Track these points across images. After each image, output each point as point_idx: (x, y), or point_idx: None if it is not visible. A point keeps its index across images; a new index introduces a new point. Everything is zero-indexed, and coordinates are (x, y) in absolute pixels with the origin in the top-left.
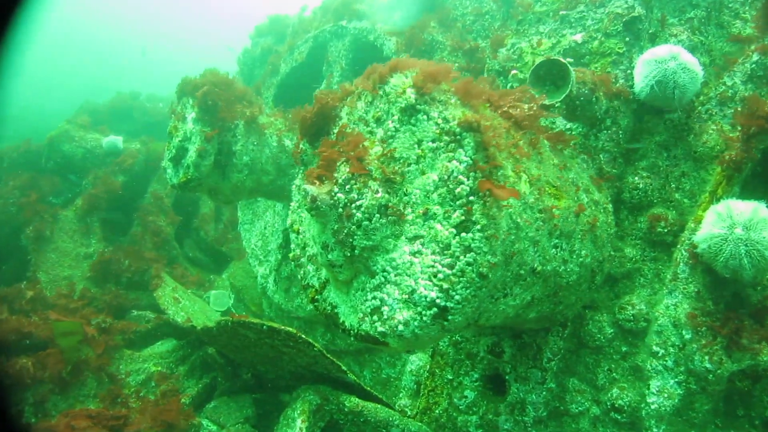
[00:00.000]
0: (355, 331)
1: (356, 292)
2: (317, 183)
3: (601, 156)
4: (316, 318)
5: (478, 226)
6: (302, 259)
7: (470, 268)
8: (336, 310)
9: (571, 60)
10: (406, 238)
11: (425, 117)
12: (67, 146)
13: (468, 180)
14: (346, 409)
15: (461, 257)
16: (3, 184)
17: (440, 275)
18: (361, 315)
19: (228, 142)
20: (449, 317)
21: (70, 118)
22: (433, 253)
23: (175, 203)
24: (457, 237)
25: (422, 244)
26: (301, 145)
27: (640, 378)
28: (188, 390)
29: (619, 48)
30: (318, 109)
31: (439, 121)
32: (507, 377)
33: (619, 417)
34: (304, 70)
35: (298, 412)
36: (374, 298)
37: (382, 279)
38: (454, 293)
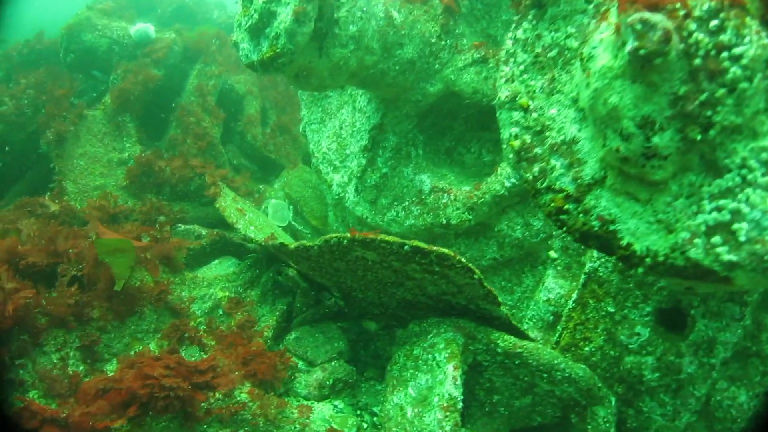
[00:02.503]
0: (661, 258)
1: (673, 199)
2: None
3: None
4: (412, 234)
5: None
6: (537, 150)
7: None
8: (614, 227)
9: None
10: None
11: None
12: (89, 36)
13: None
14: (499, 350)
15: None
16: (14, 84)
17: None
18: (687, 236)
19: (330, 5)
20: None
21: (91, 4)
22: None
23: (217, 103)
24: None
25: None
26: None
27: None
28: (263, 319)
29: None
30: None
31: None
32: (693, 312)
33: None
34: None
35: (446, 354)
36: (718, 209)
37: (738, 180)
38: None
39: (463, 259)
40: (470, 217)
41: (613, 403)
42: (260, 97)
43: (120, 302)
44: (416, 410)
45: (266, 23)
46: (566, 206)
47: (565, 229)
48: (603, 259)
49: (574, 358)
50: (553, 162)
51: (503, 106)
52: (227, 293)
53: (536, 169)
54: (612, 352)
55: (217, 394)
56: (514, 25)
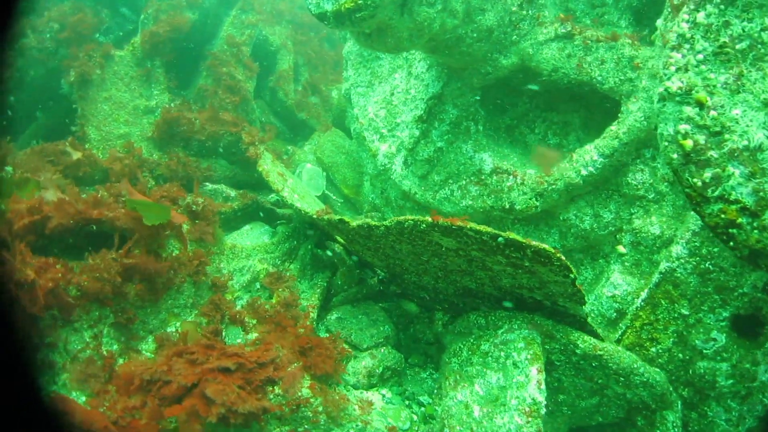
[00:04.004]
0: None
1: None
2: None
3: None
4: (465, 212)
5: None
6: (711, 153)
7: None
8: None
9: None
10: None
11: None
12: None
13: None
14: (577, 351)
15: None
16: (37, 16)
17: None
18: None
19: None
20: None
21: None
22: None
23: (251, 55)
24: None
25: None
26: None
27: None
28: (304, 296)
29: None
30: None
31: None
32: None
33: None
34: None
35: (527, 355)
36: None
37: None
38: None
39: (563, 257)
40: (538, 203)
41: (679, 407)
42: (294, 53)
43: (157, 275)
44: (485, 410)
45: None
46: (739, 220)
47: (731, 244)
48: (682, 260)
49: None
50: (730, 169)
51: (671, 98)
52: (266, 266)
53: (708, 174)
54: (681, 355)
55: (276, 389)
56: (692, 6)
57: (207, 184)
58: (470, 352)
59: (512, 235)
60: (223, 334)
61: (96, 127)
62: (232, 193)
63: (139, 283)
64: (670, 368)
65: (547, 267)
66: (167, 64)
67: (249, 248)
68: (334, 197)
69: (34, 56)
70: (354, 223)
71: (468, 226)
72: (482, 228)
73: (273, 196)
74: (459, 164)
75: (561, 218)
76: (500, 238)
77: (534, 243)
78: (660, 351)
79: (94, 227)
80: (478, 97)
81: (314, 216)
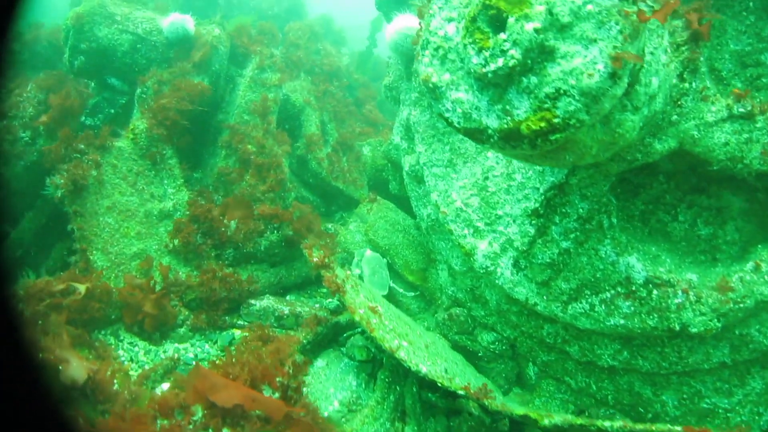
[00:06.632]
0: None
1: None
2: None
3: None
4: (615, 335)
5: None
6: None
7: None
8: None
9: None
10: None
11: None
12: (105, 30)
13: None
14: None
15: None
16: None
17: None
18: None
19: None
20: None
21: None
22: None
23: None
24: None
25: None
26: None
27: None
28: None
29: None
30: None
31: None
32: None
33: None
34: None
35: None
36: None
37: None
38: None
39: None
40: (719, 324)
41: None
42: (319, 109)
43: None
44: None
45: (529, 68)
46: None
47: None
48: None
49: None
50: None
51: None
52: None
53: None
54: None
55: None
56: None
57: (253, 302)
58: None
59: None
60: None
61: (102, 250)
62: (285, 309)
63: None
64: None
65: None
66: (181, 150)
67: (358, 427)
68: (401, 290)
69: (7, 150)
70: (549, 422)
71: None
72: None
73: (330, 302)
74: (596, 270)
75: (737, 332)
76: None
77: None
78: None
79: None
80: (610, 184)
81: (463, 393)
